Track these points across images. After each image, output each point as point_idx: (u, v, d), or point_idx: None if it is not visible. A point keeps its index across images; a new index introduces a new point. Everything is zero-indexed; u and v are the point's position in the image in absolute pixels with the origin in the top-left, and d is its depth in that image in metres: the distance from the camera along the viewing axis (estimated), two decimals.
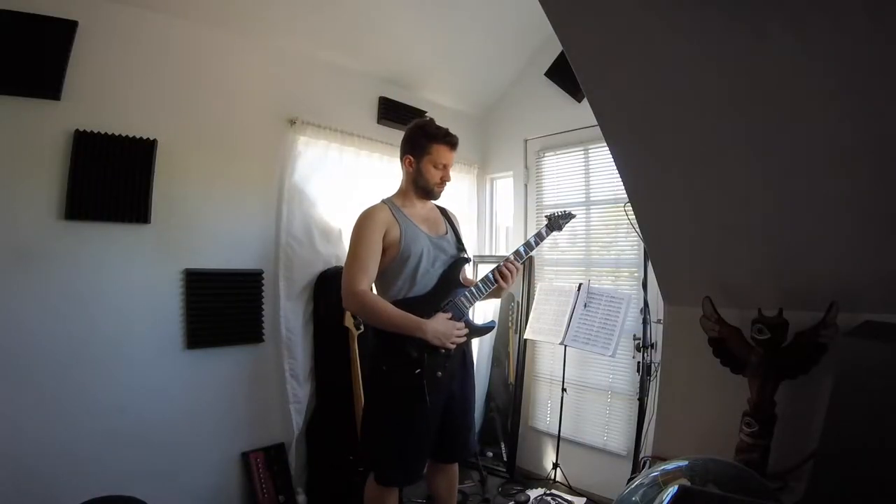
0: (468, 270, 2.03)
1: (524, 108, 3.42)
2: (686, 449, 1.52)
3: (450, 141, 1.82)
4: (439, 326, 1.67)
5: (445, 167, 1.83)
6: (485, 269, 1.90)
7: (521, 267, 1.86)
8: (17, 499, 1.78)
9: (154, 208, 2.11)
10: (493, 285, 1.81)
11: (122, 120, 2.04)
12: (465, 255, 1.90)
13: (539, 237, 1.99)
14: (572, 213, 2.15)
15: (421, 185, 1.83)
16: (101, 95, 2.00)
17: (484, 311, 3.32)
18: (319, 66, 2.72)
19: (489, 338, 3.29)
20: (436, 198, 1.89)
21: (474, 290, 1.79)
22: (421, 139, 1.81)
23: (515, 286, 3.16)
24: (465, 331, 1.76)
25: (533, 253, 2.12)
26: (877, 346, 1.06)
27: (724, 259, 1.68)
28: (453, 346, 1.72)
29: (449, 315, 1.73)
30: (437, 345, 1.67)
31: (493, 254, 3.63)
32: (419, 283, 1.75)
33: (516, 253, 1.88)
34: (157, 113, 2.14)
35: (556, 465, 2.83)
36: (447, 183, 1.87)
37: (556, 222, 2.09)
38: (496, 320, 3.25)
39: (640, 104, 1.47)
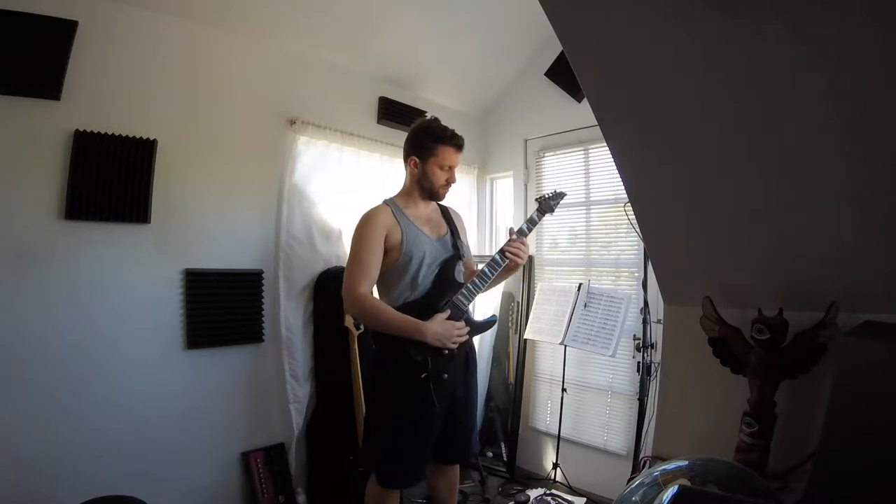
0: (472, 266, 2.01)
1: (524, 108, 3.42)
2: (686, 449, 1.52)
3: (456, 143, 1.79)
4: (437, 328, 1.65)
5: (451, 169, 1.80)
6: None
7: (528, 244, 1.80)
8: (17, 498, 1.78)
9: (154, 208, 2.11)
10: (493, 276, 1.76)
11: (122, 120, 2.04)
12: (459, 253, 1.85)
13: (531, 222, 1.88)
14: (563, 192, 1.99)
15: (426, 187, 1.81)
16: (101, 95, 2.00)
17: (484, 306, 3.31)
18: (319, 66, 2.72)
19: (489, 338, 3.29)
20: (440, 199, 1.87)
21: (471, 287, 1.75)
22: (426, 140, 1.78)
23: (515, 286, 3.17)
24: (466, 329, 1.74)
25: (533, 250, 2.08)
26: (877, 346, 1.06)
27: (724, 259, 1.68)
28: (455, 346, 1.71)
29: (447, 314, 1.71)
30: (437, 346, 1.66)
31: (493, 254, 3.62)
32: (421, 285, 1.74)
33: (519, 231, 1.82)
34: (157, 113, 2.14)
35: (556, 465, 2.84)
36: (452, 184, 1.84)
37: (547, 204, 1.94)
38: (497, 314, 3.25)
39: (641, 104, 1.47)
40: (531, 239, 1.99)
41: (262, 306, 2.46)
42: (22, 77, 1.81)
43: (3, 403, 1.78)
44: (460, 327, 1.72)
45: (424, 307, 1.71)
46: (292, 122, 2.53)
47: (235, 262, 2.39)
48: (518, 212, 3.43)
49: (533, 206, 3.28)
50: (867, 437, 0.97)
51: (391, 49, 2.88)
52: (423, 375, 1.65)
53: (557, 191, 2.00)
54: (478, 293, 1.78)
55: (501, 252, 1.77)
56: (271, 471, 2.45)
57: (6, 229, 1.81)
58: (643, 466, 2.00)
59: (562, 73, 3.01)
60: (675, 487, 1.00)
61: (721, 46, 1.21)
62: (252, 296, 2.43)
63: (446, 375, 1.70)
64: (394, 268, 1.73)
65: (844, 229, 1.36)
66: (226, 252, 2.36)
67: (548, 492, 2.70)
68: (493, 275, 1.77)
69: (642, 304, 2.55)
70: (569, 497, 2.67)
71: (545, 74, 3.17)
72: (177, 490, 2.16)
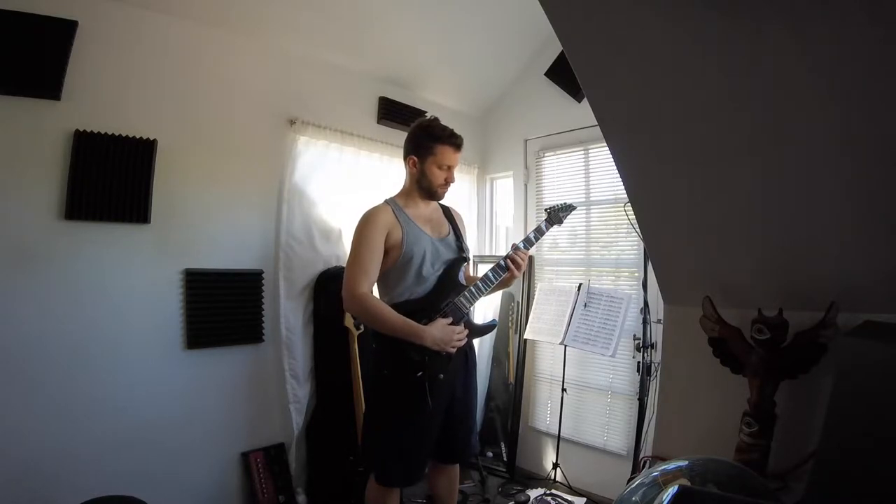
0: (469, 269, 2.02)
1: (524, 108, 3.42)
2: (686, 449, 1.52)
3: (455, 142, 1.79)
4: (437, 333, 1.66)
5: (450, 168, 1.80)
6: (485, 270, 1.88)
7: (527, 255, 1.84)
8: (17, 498, 1.78)
9: (154, 208, 2.11)
10: (497, 280, 1.78)
11: (122, 120, 2.04)
12: (465, 255, 1.88)
13: (539, 232, 1.91)
14: (572, 204, 2.02)
15: (424, 187, 1.81)
16: (101, 95, 2.00)
17: (485, 310, 3.32)
18: (319, 66, 2.72)
19: (489, 338, 3.29)
20: (439, 199, 1.87)
21: (474, 290, 1.77)
22: (425, 140, 1.78)
23: (515, 286, 3.17)
24: (465, 333, 1.75)
25: (533, 250, 2.09)
26: (877, 346, 1.06)
27: (724, 259, 1.68)
28: (454, 350, 1.71)
29: (448, 320, 1.71)
30: (436, 350, 1.67)
31: (493, 254, 3.63)
32: (421, 285, 1.74)
33: (526, 240, 1.85)
34: (157, 113, 2.14)
35: (556, 465, 2.84)
36: (451, 184, 1.84)
37: (556, 215, 1.97)
38: (497, 317, 3.25)
39: (641, 104, 1.47)
40: None
41: (262, 306, 2.46)
42: (22, 77, 1.81)
43: (3, 403, 1.78)
44: (460, 332, 1.72)
45: (426, 306, 1.71)
46: (292, 122, 2.53)
47: (235, 262, 2.39)
48: (518, 212, 3.43)
49: (533, 207, 3.32)
50: (867, 437, 0.97)
51: (391, 49, 2.88)
52: (419, 374, 1.65)
53: (567, 203, 2.02)
54: (480, 296, 1.80)
55: (506, 259, 1.79)
56: (271, 471, 2.45)
57: (6, 229, 1.81)
58: (643, 466, 2.00)
59: (562, 73, 3.01)
60: (675, 487, 1.00)
61: (721, 46, 1.21)
62: (252, 296, 2.43)
63: (443, 376, 1.70)
64: (394, 267, 1.73)
65: (844, 229, 1.36)
66: (226, 252, 2.36)
67: (548, 492, 2.70)
68: (496, 280, 1.79)
69: (642, 304, 2.55)
70: (569, 497, 2.67)
71: (545, 74, 3.17)
72: (177, 490, 2.16)
